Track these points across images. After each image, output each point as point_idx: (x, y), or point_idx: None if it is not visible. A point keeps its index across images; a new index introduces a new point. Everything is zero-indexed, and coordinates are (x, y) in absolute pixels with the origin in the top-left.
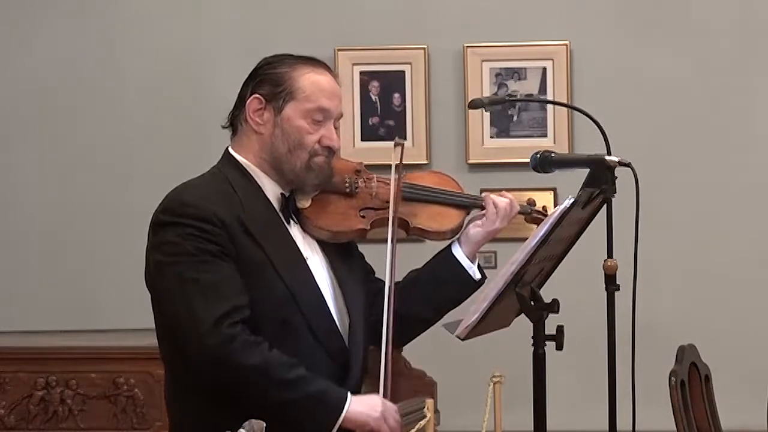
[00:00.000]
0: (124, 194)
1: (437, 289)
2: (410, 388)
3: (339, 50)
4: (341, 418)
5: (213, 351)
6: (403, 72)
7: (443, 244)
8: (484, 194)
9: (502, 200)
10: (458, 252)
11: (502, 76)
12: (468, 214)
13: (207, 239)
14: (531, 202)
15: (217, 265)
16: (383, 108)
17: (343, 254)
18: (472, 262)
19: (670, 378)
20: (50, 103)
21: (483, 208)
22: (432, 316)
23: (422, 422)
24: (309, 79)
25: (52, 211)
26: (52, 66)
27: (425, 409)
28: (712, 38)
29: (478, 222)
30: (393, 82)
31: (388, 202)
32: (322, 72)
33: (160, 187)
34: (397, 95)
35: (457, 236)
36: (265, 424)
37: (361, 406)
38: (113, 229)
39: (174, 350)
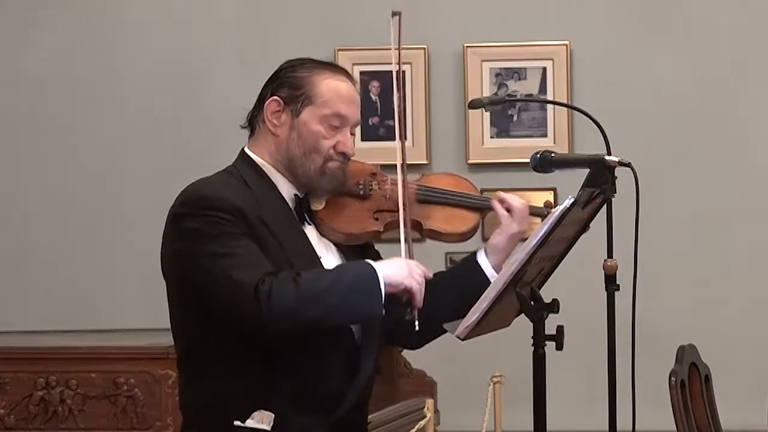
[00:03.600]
0: (125, 194)
1: (457, 294)
2: (410, 388)
3: (339, 50)
4: (383, 289)
5: (261, 311)
6: (403, 72)
7: (447, 245)
8: (492, 200)
9: (512, 202)
10: (483, 260)
11: (502, 76)
12: (483, 216)
13: (230, 224)
14: (548, 204)
15: (244, 241)
16: (383, 108)
17: (358, 254)
18: (497, 271)
19: (670, 378)
20: (50, 103)
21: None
22: (450, 320)
23: (422, 422)
24: (328, 85)
25: (52, 211)
26: (51, 66)
27: (425, 409)
28: (712, 38)
29: (497, 230)
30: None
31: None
32: (341, 78)
33: (161, 187)
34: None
35: (471, 239)
36: (274, 416)
37: (390, 268)
38: (113, 229)
39: (194, 340)
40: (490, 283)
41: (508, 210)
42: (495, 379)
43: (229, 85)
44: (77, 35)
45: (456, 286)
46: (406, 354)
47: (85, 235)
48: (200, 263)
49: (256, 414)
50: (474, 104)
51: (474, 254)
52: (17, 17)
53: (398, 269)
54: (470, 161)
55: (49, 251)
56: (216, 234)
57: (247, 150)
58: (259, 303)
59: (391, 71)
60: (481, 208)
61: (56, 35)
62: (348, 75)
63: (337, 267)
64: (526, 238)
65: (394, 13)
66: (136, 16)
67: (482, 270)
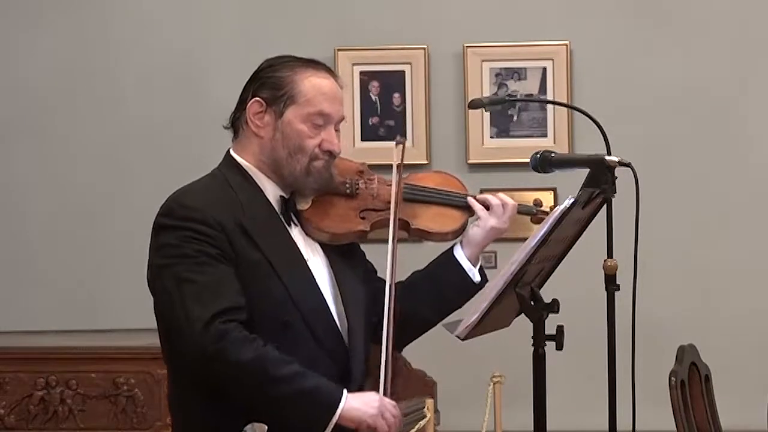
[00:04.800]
0: (124, 194)
1: (436, 290)
2: (410, 388)
3: (339, 50)
4: (336, 415)
5: (206, 347)
6: (403, 72)
7: (444, 245)
8: (468, 198)
9: (490, 198)
10: (459, 253)
11: (502, 76)
12: (471, 214)
13: (206, 242)
14: (537, 203)
15: (214, 267)
16: (383, 108)
17: (344, 254)
18: (474, 264)
19: (670, 378)
20: (50, 103)
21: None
22: (431, 317)
23: (422, 422)
24: (310, 83)
25: (52, 211)
26: (51, 66)
27: (425, 409)
28: (712, 38)
29: (475, 222)
30: (393, 82)
31: (389, 203)
32: (324, 75)
33: (160, 187)
34: (397, 95)
35: (460, 238)
36: (267, 427)
37: (357, 402)
38: (113, 229)
39: (174, 351)
40: (467, 276)
41: (486, 207)
42: (495, 379)
43: (229, 86)
44: (76, 36)
45: (435, 281)
46: (406, 354)
47: (84, 235)
48: (165, 283)
49: (248, 427)
50: (474, 104)
51: (451, 249)
52: (16, 18)
53: (365, 406)
54: (470, 161)
55: (49, 251)
56: (188, 254)
57: (232, 152)
58: (204, 337)
59: (391, 71)
60: (469, 206)
61: (55, 36)
62: (330, 71)
63: (308, 372)
64: (525, 239)
65: (397, 143)
66: (135, 16)
67: (459, 263)
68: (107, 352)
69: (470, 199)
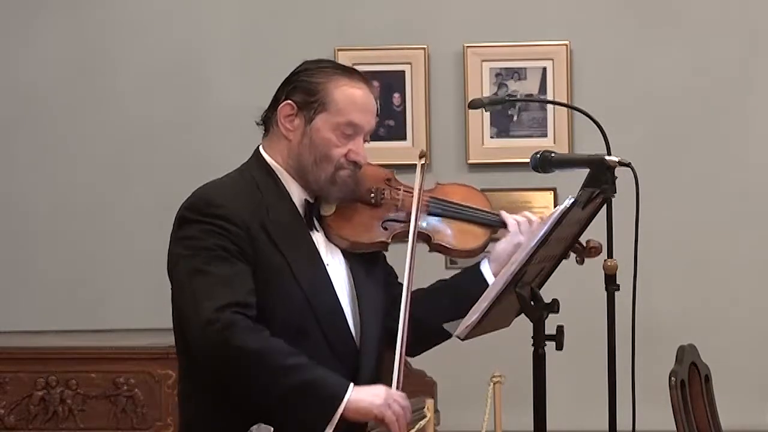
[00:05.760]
0: (125, 194)
1: (459, 302)
2: (410, 388)
3: (339, 50)
4: (342, 406)
5: (213, 335)
6: (403, 72)
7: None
8: (501, 212)
9: (517, 216)
10: (486, 269)
11: (502, 76)
12: (494, 232)
13: (227, 238)
14: None
15: (231, 263)
16: (383, 108)
17: (365, 259)
18: None
19: (670, 378)
20: (50, 102)
21: (506, 226)
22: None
23: (422, 422)
24: (343, 93)
25: (52, 211)
26: (51, 66)
27: (425, 409)
28: (712, 38)
29: (504, 238)
30: (393, 82)
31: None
32: (358, 85)
33: (160, 186)
34: (397, 95)
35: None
36: (273, 429)
37: (363, 393)
38: (114, 228)
39: (188, 342)
40: None
41: (516, 220)
42: (495, 379)
43: (230, 86)
44: (76, 36)
45: (458, 294)
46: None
47: (85, 235)
48: (181, 273)
49: (254, 428)
50: (474, 104)
51: (478, 263)
52: (16, 17)
53: (373, 397)
54: (470, 161)
55: (49, 251)
56: (208, 246)
57: (261, 150)
58: (211, 326)
59: (391, 71)
60: (493, 224)
61: (55, 36)
62: (366, 81)
63: (314, 364)
64: None
65: (421, 155)
66: (135, 16)
67: (484, 279)
68: (107, 352)
69: (504, 214)
